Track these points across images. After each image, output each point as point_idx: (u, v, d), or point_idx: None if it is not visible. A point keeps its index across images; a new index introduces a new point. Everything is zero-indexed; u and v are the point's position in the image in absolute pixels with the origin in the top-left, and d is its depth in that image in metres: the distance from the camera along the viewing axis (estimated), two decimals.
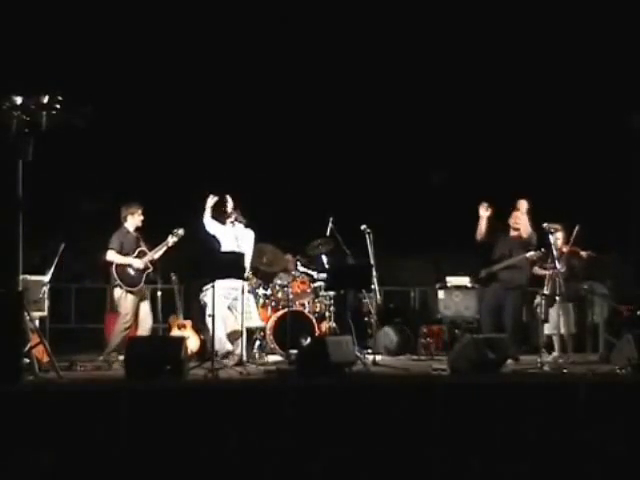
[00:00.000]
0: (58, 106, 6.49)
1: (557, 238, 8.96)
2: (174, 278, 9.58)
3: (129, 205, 8.74)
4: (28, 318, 6.92)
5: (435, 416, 5.97)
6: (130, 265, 8.54)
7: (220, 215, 8.78)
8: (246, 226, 8.87)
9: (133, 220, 8.72)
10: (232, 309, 8.73)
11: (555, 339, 9.03)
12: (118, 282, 8.51)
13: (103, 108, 10.01)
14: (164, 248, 8.80)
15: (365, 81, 12.36)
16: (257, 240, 9.30)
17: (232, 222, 8.72)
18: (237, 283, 8.40)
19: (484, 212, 9.08)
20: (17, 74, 8.84)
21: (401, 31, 12.10)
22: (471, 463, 5.68)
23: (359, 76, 12.28)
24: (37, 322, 7.73)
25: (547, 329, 9.05)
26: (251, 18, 11.80)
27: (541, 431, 5.89)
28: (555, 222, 8.79)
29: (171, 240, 8.80)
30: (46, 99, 6.49)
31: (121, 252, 8.56)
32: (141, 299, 8.63)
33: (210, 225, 8.73)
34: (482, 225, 9.10)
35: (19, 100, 6.43)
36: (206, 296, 8.72)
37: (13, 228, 6.42)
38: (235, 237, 8.62)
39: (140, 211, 8.74)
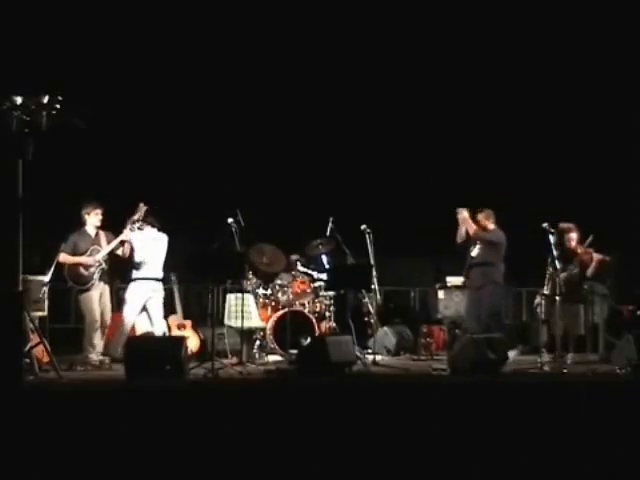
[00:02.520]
0: (58, 106, 6.50)
1: (572, 238, 9.01)
2: (173, 278, 9.57)
3: (86, 205, 8.74)
4: (28, 318, 6.93)
5: (435, 416, 5.97)
6: (79, 264, 8.54)
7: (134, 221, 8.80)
8: (159, 230, 8.93)
9: (90, 220, 8.70)
10: (148, 310, 8.83)
11: (557, 339, 9.04)
12: (71, 283, 8.58)
13: (103, 108, 10.10)
14: (117, 242, 8.70)
15: (365, 82, 12.35)
16: (254, 240, 9.35)
17: (145, 226, 8.78)
18: (157, 285, 8.71)
19: (461, 216, 9.15)
20: (17, 74, 8.83)
21: (401, 34, 12.10)
22: (471, 463, 5.67)
23: (359, 77, 12.27)
24: (37, 322, 7.74)
25: (555, 329, 9.06)
26: (250, 18, 11.79)
27: (541, 431, 5.88)
28: (555, 222, 8.82)
29: (127, 233, 8.78)
30: (46, 99, 6.49)
31: (75, 252, 8.58)
32: (100, 295, 8.62)
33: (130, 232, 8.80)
34: (462, 230, 9.18)
35: (19, 100, 6.43)
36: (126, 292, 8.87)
37: (13, 228, 6.42)
38: (152, 239, 8.81)
39: (98, 210, 8.70)
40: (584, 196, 11.69)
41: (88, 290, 8.55)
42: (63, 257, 8.55)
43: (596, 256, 9.11)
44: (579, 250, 9.06)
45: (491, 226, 9.16)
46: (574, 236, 9.11)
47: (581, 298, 9.10)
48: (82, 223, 8.74)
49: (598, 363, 8.72)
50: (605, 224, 10.24)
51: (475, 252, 9.07)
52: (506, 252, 9.07)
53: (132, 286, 8.78)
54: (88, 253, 8.62)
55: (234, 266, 8.24)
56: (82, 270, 8.56)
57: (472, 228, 9.11)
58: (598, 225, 9.48)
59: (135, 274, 8.78)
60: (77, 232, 8.71)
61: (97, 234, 8.73)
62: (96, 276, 8.54)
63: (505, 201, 9.42)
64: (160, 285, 8.90)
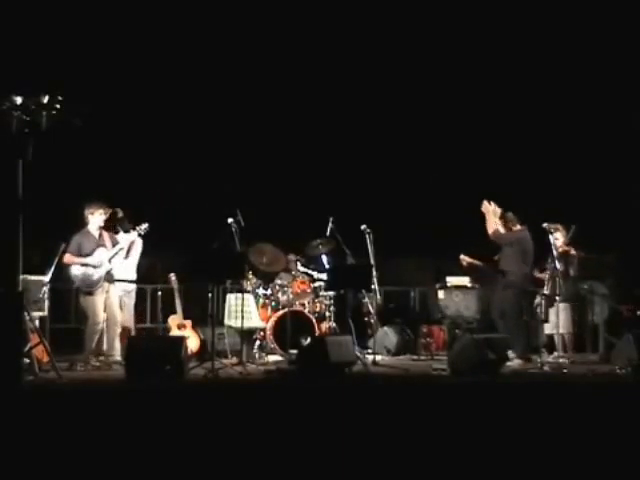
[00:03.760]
0: (58, 106, 6.50)
1: (556, 238, 8.98)
2: (174, 278, 9.57)
3: (89, 205, 8.66)
4: (28, 318, 6.93)
5: (435, 416, 5.97)
6: (85, 265, 8.46)
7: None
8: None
9: (94, 220, 8.61)
10: (123, 308, 8.95)
11: (556, 339, 9.05)
12: (79, 284, 8.51)
13: (103, 108, 10.10)
14: (125, 245, 8.76)
15: (365, 81, 12.34)
16: (254, 240, 9.38)
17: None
18: (132, 285, 8.99)
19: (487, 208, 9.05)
20: (17, 74, 8.83)
21: (400, 33, 12.09)
22: (471, 463, 5.67)
23: (359, 76, 12.26)
24: (37, 322, 7.74)
25: (547, 329, 9.08)
26: (249, 18, 11.79)
27: (541, 431, 5.88)
28: (555, 222, 8.83)
29: (133, 235, 8.78)
30: (46, 99, 6.49)
31: (80, 253, 8.48)
32: (107, 298, 8.57)
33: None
34: (490, 220, 9.01)
35: (19, 100, 6.44)
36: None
37: (13, 228, 6.43)
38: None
39: (101, 210, 8.61)
40: (584, 196, 11.68)
41: (91, 294, 8.48)
42: (67, 258, 8.46)
43: (573, 253, 9.08)
44: (560, 250, 9.04)
45: (516, 227, 9.05)
46: (559, 236, 9.08)
47: (570, 297, 9.07)
48: (84, 223, 8.67)
49: (598, 363, 8.72)
50: (605, 224, 10.25)
51: (498, 255, 9.03)
52: (530, 254, 8.94)
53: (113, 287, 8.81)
54: (94, 254, 8.53)
55: (234, 266, 8.25)
56: (92, 271, 8.46)
57: (491, 226, 9.01)
58: (598, 224, 9.48)
59: (117, 276, 8.80)
60: (80, 233, 8.60)
61: (101, 234, 8.65)
62: (103, 278, 8.50)
63: (505, 201, 9.39)
64: (134, 285, 9.13)
